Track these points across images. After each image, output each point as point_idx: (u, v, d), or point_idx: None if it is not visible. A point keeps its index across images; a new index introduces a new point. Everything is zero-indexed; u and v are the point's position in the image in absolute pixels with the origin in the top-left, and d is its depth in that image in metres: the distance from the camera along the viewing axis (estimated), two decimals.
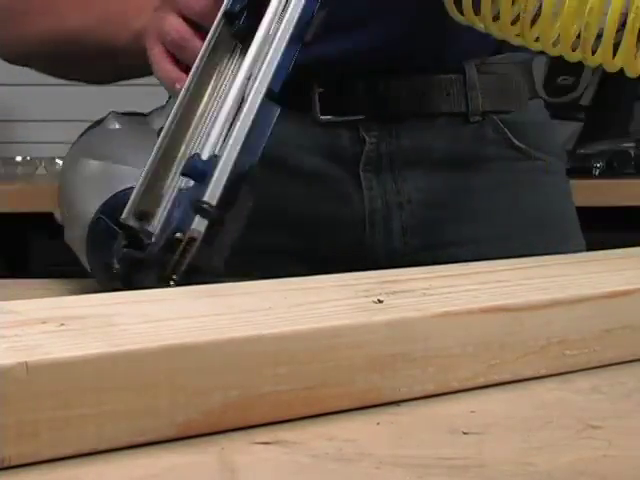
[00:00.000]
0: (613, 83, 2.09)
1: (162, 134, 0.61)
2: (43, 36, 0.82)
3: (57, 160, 2.28)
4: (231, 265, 0.65)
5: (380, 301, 0.48)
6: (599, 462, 0.38)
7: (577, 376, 0.50)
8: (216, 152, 0.60)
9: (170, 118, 0.61)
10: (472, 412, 0.44)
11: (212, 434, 0.40)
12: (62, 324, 0.42)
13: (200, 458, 0.38)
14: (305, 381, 0.42)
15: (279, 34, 0.61)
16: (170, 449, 0.38)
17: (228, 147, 0.59)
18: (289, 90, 0.60)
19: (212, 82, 0.63)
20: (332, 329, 0.43)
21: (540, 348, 0.49)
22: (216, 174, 0.59)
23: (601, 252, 0.68)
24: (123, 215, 0.60)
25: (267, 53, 0.61)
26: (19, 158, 2.34)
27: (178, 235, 0.58)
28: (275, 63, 0.60)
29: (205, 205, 0.58)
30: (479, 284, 0.53)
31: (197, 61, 0.62)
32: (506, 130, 0.86)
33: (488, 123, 0.85)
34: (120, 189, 0.64)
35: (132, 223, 0.60)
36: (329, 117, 0.82)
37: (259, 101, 0.60)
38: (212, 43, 0.63)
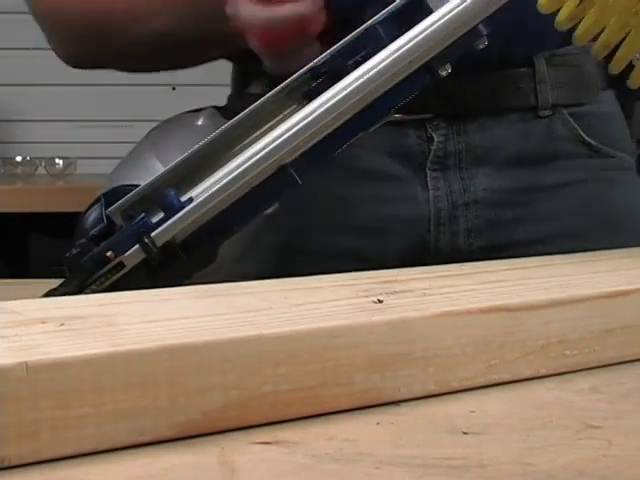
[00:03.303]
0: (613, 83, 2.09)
1: (187, 152, 0.60)
2: (152, 38, 0.77)
3: (57, 160, 2.28)
4: (295, 267, 0.64)
5: (380, 301, 0.48)
6: (599, 462, 0.38)
7: (577, 376, 0.50)
8: (193, 196, 0.58)
9: (205, 141, 0.60)
10: (472, 412, 0.44)
11: (212, 434, 0.40)
12: (62, 324, 0.42)
13: (200, 458, 0.38)
14: (305, 381, 0.42)
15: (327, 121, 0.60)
16: (170, 449, 0.38)
17: (201, 197, 0.58)
18: None
19: (258, 129, 0.62)
20: (332, 329, 0.43)
21: (540, 348, 0.49)
22: (174, 217, 0.57)
23: (601, 252, 0.68)
24: (110, 209, 0.59)
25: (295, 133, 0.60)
26: (19, 158, 2.35)
27: (109, 254, 0.57)
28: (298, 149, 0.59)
29: (147, 240, 0.57)
30: (479, 284, 0.54)
31: (261, 100, 0.61)
32: (576, 126, 0.84)
33: (558, 118, 0.83)
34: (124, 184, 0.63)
35: (118, 220, 0.59)
36: (396, 116, 0.80)
37: (257, 170, 0.58)
38: (287, 87, 0.62)
